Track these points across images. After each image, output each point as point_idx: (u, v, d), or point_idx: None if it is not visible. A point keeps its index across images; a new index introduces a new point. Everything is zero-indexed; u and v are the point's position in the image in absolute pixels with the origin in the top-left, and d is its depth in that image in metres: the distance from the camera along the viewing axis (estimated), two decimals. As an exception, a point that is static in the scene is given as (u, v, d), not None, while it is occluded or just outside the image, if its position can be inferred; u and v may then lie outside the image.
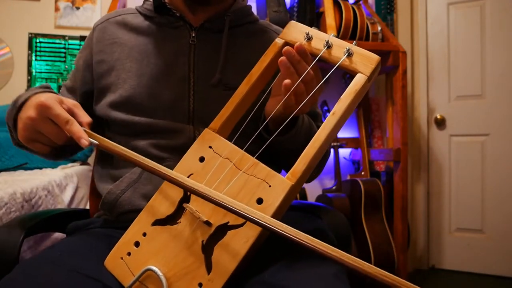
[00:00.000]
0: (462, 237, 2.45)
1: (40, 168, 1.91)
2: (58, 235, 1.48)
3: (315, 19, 2.09)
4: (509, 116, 2.36)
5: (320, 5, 2.13)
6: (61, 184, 1.66)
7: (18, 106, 0.67)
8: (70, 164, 1.99)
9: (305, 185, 2.25)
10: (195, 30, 0.80)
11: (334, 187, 2.23)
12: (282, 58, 0.62)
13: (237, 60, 0.80)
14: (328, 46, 0.63)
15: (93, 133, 0.64)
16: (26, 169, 1.88)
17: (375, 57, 0.61)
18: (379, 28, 2.18)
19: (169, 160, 0.73)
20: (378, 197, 2.06)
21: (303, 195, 2.18)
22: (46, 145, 0.66)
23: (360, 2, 2.26)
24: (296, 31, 0.67)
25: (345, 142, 2.31)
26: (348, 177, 2.31)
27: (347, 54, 0.62)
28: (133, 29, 0.82)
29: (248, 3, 0.90)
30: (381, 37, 2.18)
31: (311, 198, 2.30)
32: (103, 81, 0.80)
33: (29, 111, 0.63)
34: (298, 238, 0.48)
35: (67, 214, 0.88)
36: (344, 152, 2.44)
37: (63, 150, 0.82)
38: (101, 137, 0.64)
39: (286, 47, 0.62)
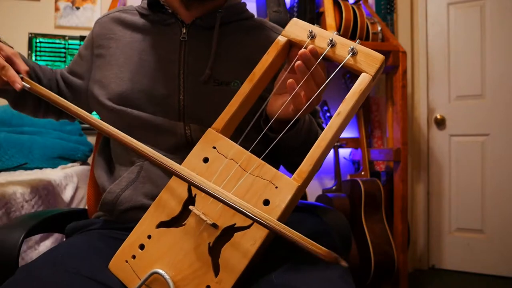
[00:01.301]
0: (462, 237, 2.45)
1: (40, 168, 1.91)
2: (58, 235, 1.48)
3: (315, 19, 2.09)
4: (509, 116, 2.36)
5: (320, 5, 2.13)
6: (61, 184, 1.66)
7: None
8: (70, 164, 1.99)
9: (305, 185, 2.24)
10: (186, 27, 0.81)
11: (334, 187, 2.23)
12: (299, 63, 0.60)
13: (228, 56, 0.81)
14: (332, 44, 0.62)
15: (29, 80, 0.70)
16: (26, 169, 1.87)
17: (380, 56, 0.60)
18: (379, 28, 2.17)
19: None
20: (378, 197, 2.06)
21: (303, 195, 2.18)
22: None
23: (360, 2, 2.26)
24: (299, 28, 0.65)
25: (345, 142, 2.31)
26: (348, 177, 2.31)
27: (351, 53, 0.61)
28: (129, 26, 0.84)
29: (248, 3, 0.90)
30: (381, 37, 2.18)
31: (311, 198, 2.30)
32: (98, 73, 0.82)
33: None
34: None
35: (67, 214, 0.88)
36: (344, 152, 2.43)
37: (22, 100, 0.85)
38: (35, 83, 0.70)
39: (302, 51, 0.60)
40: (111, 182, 0.78)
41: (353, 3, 2.22)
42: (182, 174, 0.55)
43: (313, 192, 2.34)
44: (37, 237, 1.34)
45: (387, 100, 2.35)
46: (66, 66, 0.93)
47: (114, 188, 0.73)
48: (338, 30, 2.08)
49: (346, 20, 2.08)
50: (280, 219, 0.54)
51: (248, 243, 0.54)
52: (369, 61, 0.60)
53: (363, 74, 0.60)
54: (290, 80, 0.61)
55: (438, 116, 2.51)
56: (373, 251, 1.96)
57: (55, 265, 0.57)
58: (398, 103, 2.13)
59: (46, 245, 1.40)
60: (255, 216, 0.50)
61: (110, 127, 0.62)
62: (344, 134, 2.42)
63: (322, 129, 0.82)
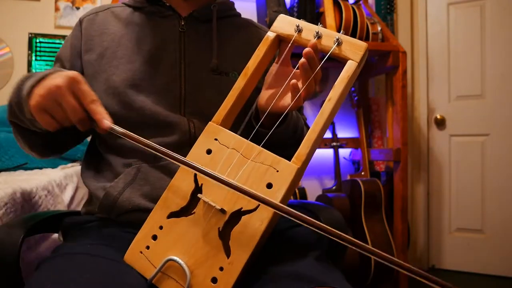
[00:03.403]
0: (462, 237, 2.45)
1: (40, 168, 1.91)
2: (58, 235, 1.48)
3: (315, 19, 2.09)
4: (509, 116, 2.36)
5: (320, 5, 2.13)
6: (61, 184, 1.66)
7: (42, 75, 0.63)
8: (70, 164, 1.99)
9: (305, 185, 2.25)
10: (184, 19, 0.83)
11: (334, 187, 2.23)
12: (304, 61, 0.63)
13: (225, 48, 0.84)
14: (318, 36, 0.66)
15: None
16: (26, 169, 1.87)
17: (363, 44, 0.65)
18: (379, 28, 2.18)
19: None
20: (378, 197, 2.06)
21: (303, 195, 2.18)
22: (56, 121, 0.62)
23: (360, 2, 2.27)
24: (287, 23, 0.70)
25: (345, 142, 2.31)
26: (348, 177, 2.31)
27: (337, 43, 0.65)
28: (122, 20, 0.84)
29: (248, 3, 0.91)
30: (381, 37, 2.18)
31: (311, 198, 2.30)
32: (92, 68, 0.80)
33: (57, 80, 0.60)
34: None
35: (67, 214, 0.87)
36: (344, 152, 2.44)
37: (54, 142, 0.80)
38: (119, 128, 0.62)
39: (306, 49, 0.64)
40: (101, 185, 0.76)
41: (353, 3, 2.22)
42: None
43: (313, 192, 2.35)
44: (37, 237, 1.34)
45: (387, 100, 2.36)
46: None
47: (111, 191, 0.72)
48: (338, 30, 2.08)
49: (346, 20, 2.08)
50: (284, 199, 0.58)
51: (256, 224, 0.57)
52: (353, 49, 0.65)
53: (349, 61, 0.64)
54: (293, 81, 0.64)
55: (438, 116, 2.51)
56: (373, 251, 1.96)
57: (76, 264, 0.60)
58: (398, 103, 2.13)
59: (46, 245, 1.40)
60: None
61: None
62: (344, 134, 2.42)
63: (306, 125, 0.86)
